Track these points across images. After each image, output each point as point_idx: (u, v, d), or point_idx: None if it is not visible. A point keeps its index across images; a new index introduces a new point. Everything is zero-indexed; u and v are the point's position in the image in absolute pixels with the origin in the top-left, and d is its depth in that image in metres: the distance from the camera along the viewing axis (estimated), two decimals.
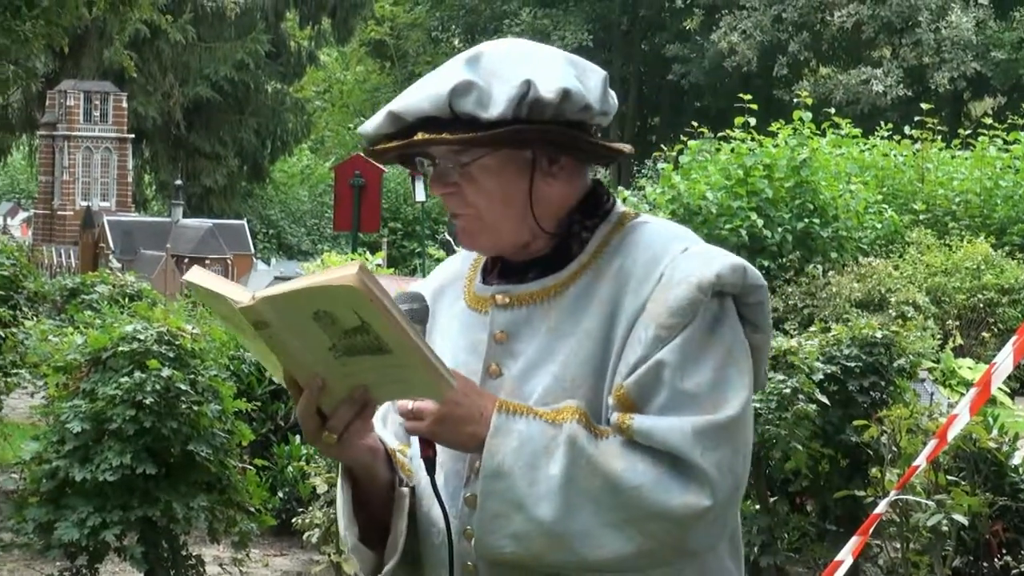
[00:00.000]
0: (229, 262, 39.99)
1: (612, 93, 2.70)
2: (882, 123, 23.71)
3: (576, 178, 2.71)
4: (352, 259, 10.93)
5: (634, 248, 2.66)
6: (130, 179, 47.17)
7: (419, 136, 2.60)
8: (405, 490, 2.72)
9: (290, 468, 9.95)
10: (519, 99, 2.56)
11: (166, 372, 7.83)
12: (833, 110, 22.91)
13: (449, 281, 2.87)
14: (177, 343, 8.12)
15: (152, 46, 46.51)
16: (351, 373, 2.47)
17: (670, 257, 2.62)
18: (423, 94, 2.62)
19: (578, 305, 2.65)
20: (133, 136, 46.58)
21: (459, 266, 2.89)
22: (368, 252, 13.12)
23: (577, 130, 2.64)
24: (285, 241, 50.44)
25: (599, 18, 59.81)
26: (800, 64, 52.20)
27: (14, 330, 12.11)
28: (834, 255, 17.52)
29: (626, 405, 2.56)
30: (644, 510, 2.50)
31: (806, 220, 17.88)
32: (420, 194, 29.75)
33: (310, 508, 8.59)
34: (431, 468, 2.60)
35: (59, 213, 45.16)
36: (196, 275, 2.53)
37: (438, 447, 2.61)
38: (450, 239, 12.69)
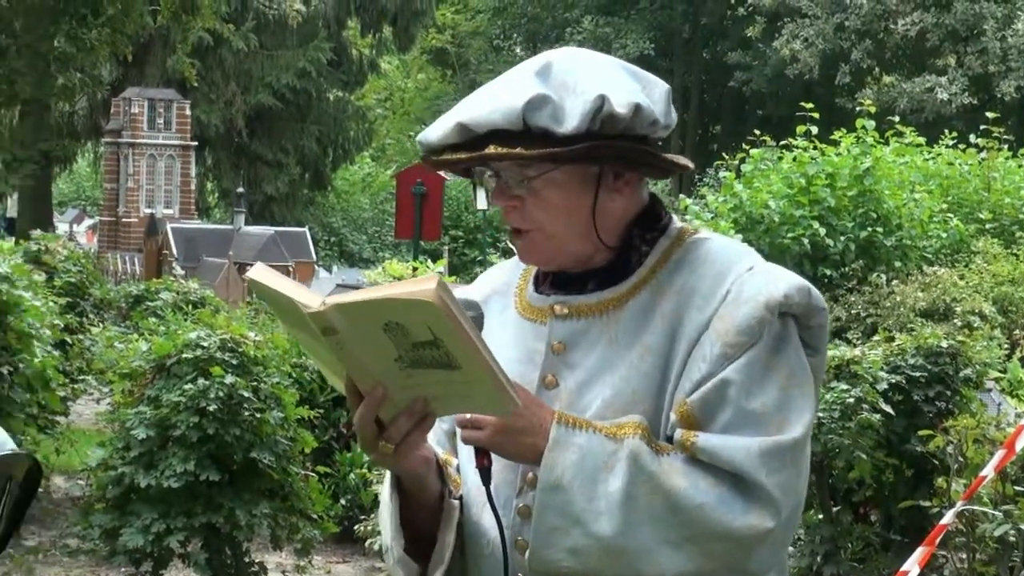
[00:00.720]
0: (291, 269, 40.12)
1: (672, 107, 2.67)
2: (947, 132, 23.44)
3: (637, 193, 2.68)
4: (415, 267, 10.94)
5: (698, 264, 2.63)
6: (193, 186, 47.44)
7: (492, 150, 2.55)
8: (456, 502, 2.69)
9: (352, 475, 9.97)
10: (593, 114, 2.52)
11: (229, 379, 7.86)
12: (897, 118, 22.71)
13: (498, 289, 2.83)
14: (240, 350, 8.16)
15: (215, 54, 46.77)
16: (414, 384, 2.43)
17: (736, 275, 2.59)
18: (494, 106, 2.56)
19: (639, 319, 2.62)
20: (196, 144, 46.83)
21: (507, 275, 2.86)
22: (429, 260, 13.14)
23: (642, 144, 2.60)
24: (346, 249, 50.59)
25: (661, 26, 59.71)
26: (863, 72, 51.82)
27: (81, 336, 12.21)
28: (898, 264, 17.39)
29: (689, 422, 2.53)
30: (706, 529, 2.48)
31: (869, 229, 17.75)
32: (482, 202, 29.83)
33: (372, 515, 8.60)
34: (487, 478, 2.56)
35: (124, 220, 45.45)
36: (260, 273, 2.49)
37: (492, 457, 2.58)
38: (512, 248, 12.65)
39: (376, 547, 8.40)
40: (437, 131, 2.63)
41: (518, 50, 67.30)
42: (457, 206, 44.36)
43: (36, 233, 14.40)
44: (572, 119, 2.52)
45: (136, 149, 45.02)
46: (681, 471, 2.49)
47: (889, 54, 53.10)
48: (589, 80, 2.57)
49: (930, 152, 21.96)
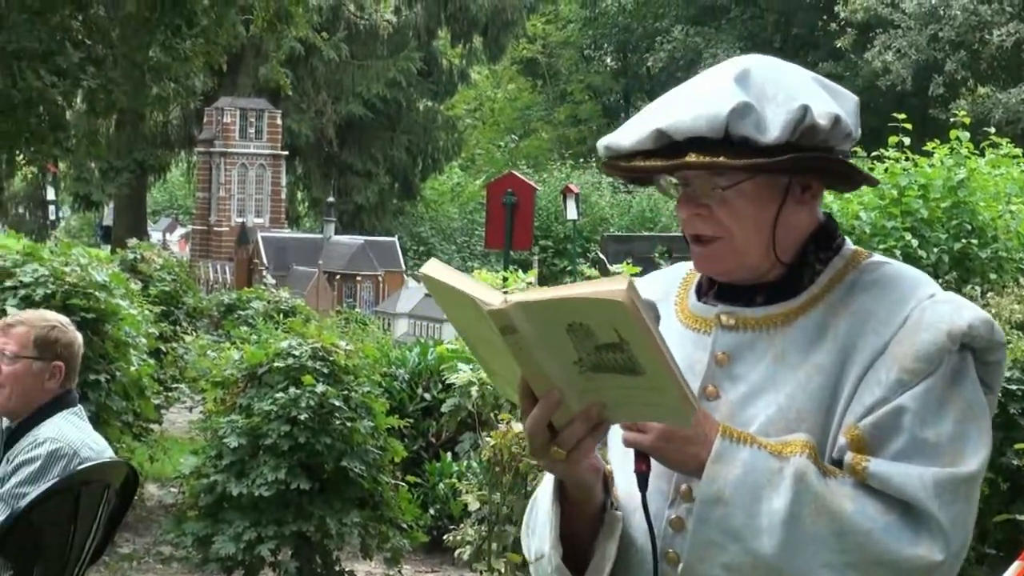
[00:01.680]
0: (380, 279, 40.32)
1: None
2: None
3: (817, 208, 2.64)
4: (505, 277, 10.93)
5: (875, 287, 2.56)
6: (283, 196, 47.77)
7: (692, 158, 2.47)
8: (618, 514, 2.60)
9: (441, 485, 9.95)
10: (795, 124, 2.47)
11: (320, 388, 7.89)
12: (992, 129, 22.39)
13: (658, 297, 2.69)
14: (331, 359, 8.18)
15: (306, 64, 47.08)
16: (592, 389, 2.36)
17: (917, 300, 2.52)
18: (695, 113, 2.48)
19: (809, 337, 2.55)
20: (287, 153, 47.13)
21: (665, 284, 2.79)
22: (520, 270, 13.13)
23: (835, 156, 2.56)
24: (435, 258, 50.71)
25: (751, 36, 59.38)
26: (957, 83, 51.13)
27: (174, 345, 12.30)
28: (993, 276, 17.17)
29: (860, 447, 2.46)
30: (871, 556, 2.41)
31: (963, 241, 17.57)
32: (572, 212, 29.78)
33: (461, 525, 8.59)
34: (643, 484, 2.48)
35: (215, 229, 45.84)
36: (435, 268, 2.43)
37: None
38: (603, 257, 12.64)
39: (465, 557, 8.39)
40: (630, 136, 2.55)
41: (608, 60, 67.23)
42: (547, 216, 44.31)
43: (132, 242, 14.52)
44: (774, 129, 2.47)
45: (228, 158, 45.40)
46: (849, 495, 2.43)
47: (984, 65, 52.45)
48: (788, 89, 2.53)
49: None
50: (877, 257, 2.66)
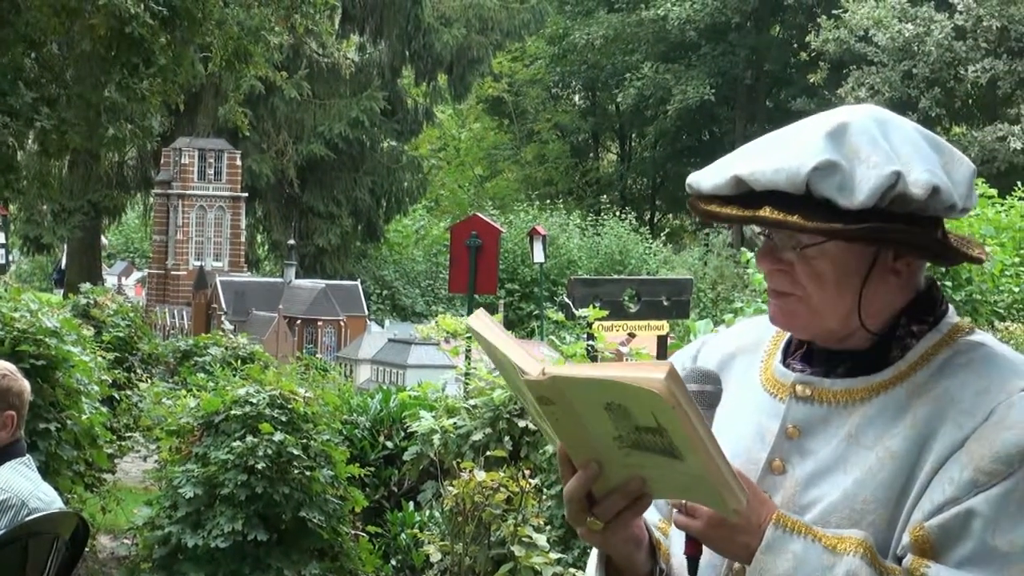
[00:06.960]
0: (342, 323, 40.08)
1: (975, 189, 2.46)
2: (1020, 183, 23.14)
3: (915, 276, 2.48)
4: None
5: (965, 371, 2.39)
6: (243, 238, 47.48)
7: (766, 212, 2.35)
8: None
9: (403, 535, 9.81)
10: (884, 191, 2.31)
11: (278, 436, 7.83)
12: None
13: (747, 347, 2.64)
14: (289, 407, 8.14)
15: (266, 103, 46.83)
16: (632, 464, 2.30)
17: (1007, 394, 2.33)
18: (776, 165, 2.36)
19: (886, 418, 2.39)
20: (246, 195, 46.85)
21: (761, 332, 2.65)
22: None
23: (931, 227, 2.40)
24: (399, 302, 50.53)
25: (722, 72, 59.48)
26: (932, 121, 50.78)
27: (128, 392, 12.14)
28: (968, 319, 17.11)
29: (924, 548, 2.30)
30: None
31: (938, 284, 17.50)
32: (539, 255, 29.63)
33: None
34: (693, 568, 2.39)
35: (172, 273, 45.49)
36: (480, 323, 2.39)
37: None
38: (569, 303, 12.49)
39: None
40: (710, 179, 2.44)
41: (576, 98, 67.31)
42: (513, 259, 44.24)
43: (85, 286, 14.34)
44: (860, 194, 2.31)
45: (186, 200, 45.06)
46: None
47: (959, 103, 52.56)
48: (888, 151, 2.37)
49: (1002, 204, 21.65)
50: (978, 335, 2.50)
